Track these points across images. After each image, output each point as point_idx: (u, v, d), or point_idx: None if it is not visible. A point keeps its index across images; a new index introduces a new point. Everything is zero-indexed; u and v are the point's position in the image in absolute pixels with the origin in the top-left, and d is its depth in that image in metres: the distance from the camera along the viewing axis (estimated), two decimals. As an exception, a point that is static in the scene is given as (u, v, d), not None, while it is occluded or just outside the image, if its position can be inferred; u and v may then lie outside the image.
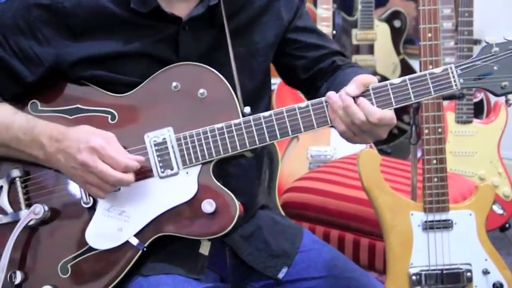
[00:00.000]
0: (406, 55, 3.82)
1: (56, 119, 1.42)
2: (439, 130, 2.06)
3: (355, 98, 1.33)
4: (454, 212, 2.08)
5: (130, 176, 1.35)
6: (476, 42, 3.25)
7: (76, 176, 1.37)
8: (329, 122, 1.36)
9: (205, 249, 1.43)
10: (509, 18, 3.63)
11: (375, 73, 3.70)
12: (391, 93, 1.34)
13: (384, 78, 3.60)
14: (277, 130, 1.36)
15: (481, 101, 3.16)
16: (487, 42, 1.35)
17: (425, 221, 2.06)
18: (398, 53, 3.81)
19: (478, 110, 3.07)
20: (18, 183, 1.44)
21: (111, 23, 1.40)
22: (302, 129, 1.36)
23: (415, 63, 3.73)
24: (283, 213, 2.43)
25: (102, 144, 1.34)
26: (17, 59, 1.41)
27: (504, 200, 2.93)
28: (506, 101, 1.37)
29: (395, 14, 3.81)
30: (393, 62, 3.80)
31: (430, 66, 1.99)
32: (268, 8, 1.53)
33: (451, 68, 1.34)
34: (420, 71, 2.00)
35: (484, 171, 2.94)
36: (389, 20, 3.79)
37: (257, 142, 1.37)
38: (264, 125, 1.36)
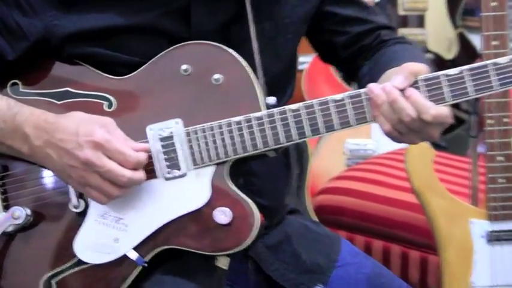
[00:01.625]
0: (464, 28, 3.81)
1: (41, 103, 1.37)
2: (505, 120, 1.99)
3: (402, 91, 1.30)
4: (525, 221, 2.01)
5: (141, 174, 1.31)
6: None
7: (73, 177, 1.31)
8: (368, 118, 1.33)
9: (223, 262, 1.39)
10: None
11: (426, 50, 3.68)
12: (445, 87, 1.30)
13: (437, 56, 3.71)
14: (306, 126, 1.32)
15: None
16: None
17: (490, 231, 2.01)
18: (455, 25, 3.79)
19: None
20: (-5, 181, 1.40)
21: None
22: (336, 127, 1.33)
23: (475, 39, 3.72)
24: (316, 218, 2.42)
25: (106, 136, 1.29)
26: None
27: None
28: None
29: (452, -22, 3.88)
30: (448, 36, 3.79)
31: (495, 42, 1.93)
32: None
33: None
34: (482, 47, 1.97)
35: None
36: (444, -14, 3.85)
37: (282, 140, 1.32)
38: (290, 119, 1.33)
